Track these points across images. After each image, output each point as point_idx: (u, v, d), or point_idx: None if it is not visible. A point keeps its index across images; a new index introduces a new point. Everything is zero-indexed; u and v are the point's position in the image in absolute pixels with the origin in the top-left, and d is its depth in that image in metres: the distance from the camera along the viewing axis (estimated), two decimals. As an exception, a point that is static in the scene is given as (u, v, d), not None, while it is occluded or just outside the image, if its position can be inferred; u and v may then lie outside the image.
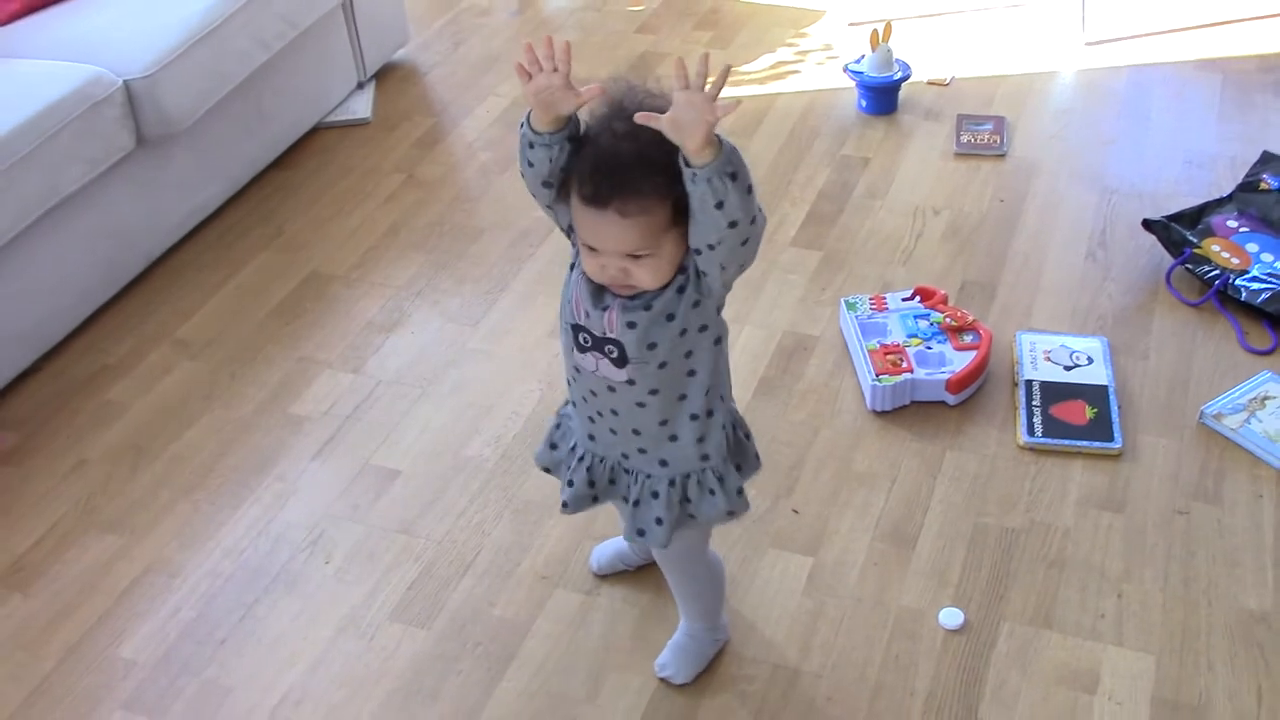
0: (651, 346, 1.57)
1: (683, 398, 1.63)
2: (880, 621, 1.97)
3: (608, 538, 2.10)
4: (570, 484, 1.77)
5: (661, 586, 2.03)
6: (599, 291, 1.57)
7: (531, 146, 1.51)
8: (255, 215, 3.05)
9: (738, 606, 2.00)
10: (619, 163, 1.46)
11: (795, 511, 2.16)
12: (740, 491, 1.72)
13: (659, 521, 1.71)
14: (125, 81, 2.64)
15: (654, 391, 1.61)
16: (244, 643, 2.02)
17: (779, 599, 2.02)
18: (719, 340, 1.62)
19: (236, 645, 2.01)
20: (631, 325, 1.55)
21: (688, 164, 1.41)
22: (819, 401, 2.38)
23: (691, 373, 1.62)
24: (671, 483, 1.70)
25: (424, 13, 3.92)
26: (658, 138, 1.41)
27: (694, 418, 1.64)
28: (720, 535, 1.93)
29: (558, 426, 1.82)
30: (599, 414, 1.68)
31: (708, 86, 1.38)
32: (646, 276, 1.51)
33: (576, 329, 1.62)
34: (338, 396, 2.49)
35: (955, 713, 1.83)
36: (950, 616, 1.96)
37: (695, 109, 1.36)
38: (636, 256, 1.48)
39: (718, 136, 1.39)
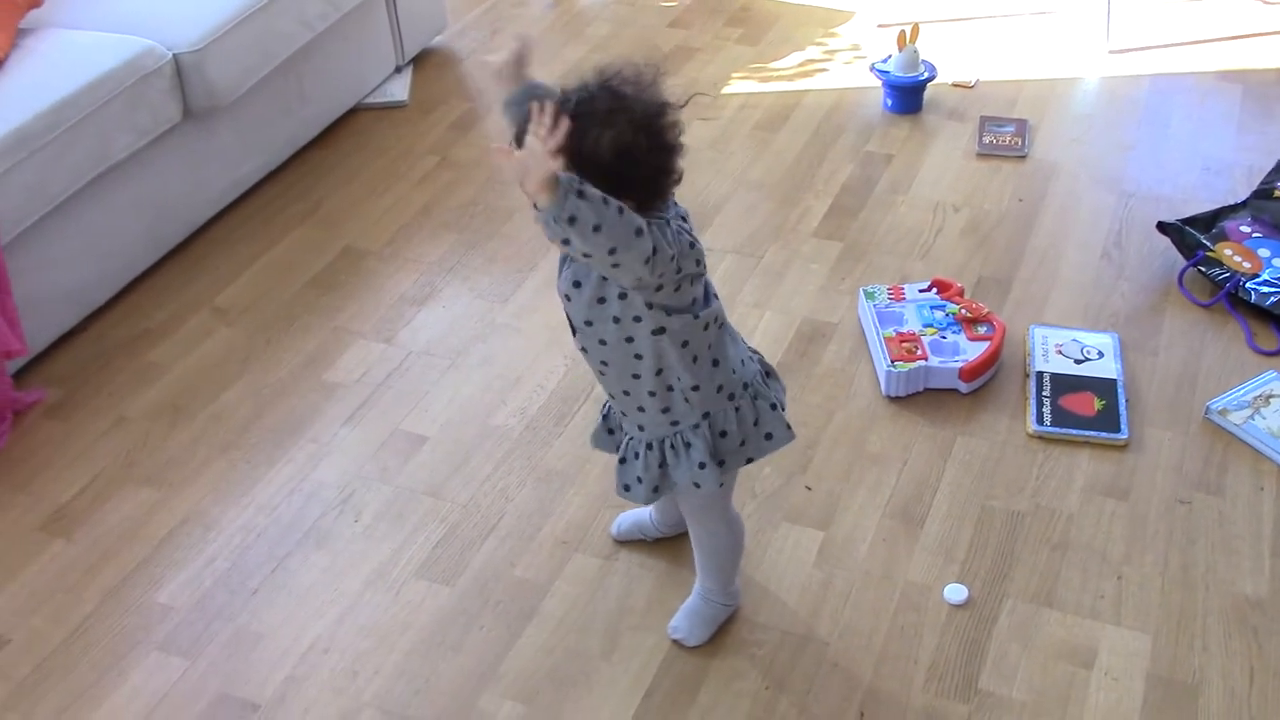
0: (588, 324, 1.69)
1: (636, 376, 1.72)
2: (887, 594, 2.04)
3: (627, 507, 2.18)
4: (596, 422, 1.93)
5: (677, 556, 2.11)
6: (561, 267, 1.69)
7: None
8: (293, 191, 3.14)
9: (751, 574, 2.07)
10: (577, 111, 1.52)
11: (808, 488, 2.24)
12: (703, 465, 1.75)
13: (639, 480, 1.82)
14: (175, 55, 2.73)
15: (605, 363, 1.73)
16: (275, 593, 2.10)
17: (790, 569, 2.09)
18: (659, 331, 1.66)
19: (268, 595, 2.10)
20: (568, 298, 1.68)
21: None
22: (835, 385, 2.46)
23: (638, 356, 1.70)
24: (649, 446, 1.80)
25: (462, 1, 4.01)
26: (594, 110, 1.52)
27: (651, 394, 1.73)
28: (736, 507, 2.00)
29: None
30: (594, 374, 1.81)
31: (549, 138, 1.40)
32: None
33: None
34: (370, 365, 2.57)
35: (956, 681, 1.90)
36: (955, 592, 2.03)
37: (535, 157, 1.41)
38: None
39: (558, 179, 1.42)
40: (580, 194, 1.43)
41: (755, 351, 1.85)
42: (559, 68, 3.62)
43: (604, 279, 1.63)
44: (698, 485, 1.77)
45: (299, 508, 2.26)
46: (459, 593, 2.08)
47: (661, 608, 2.03)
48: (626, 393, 1.76)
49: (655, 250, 1.52)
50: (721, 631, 1.99)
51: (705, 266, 1.67)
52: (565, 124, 1.43)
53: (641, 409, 1.76)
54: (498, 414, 2.44)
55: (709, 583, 1.98)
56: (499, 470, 2.31)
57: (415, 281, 2.81)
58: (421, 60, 3.69)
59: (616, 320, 1.66)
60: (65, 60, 2.60)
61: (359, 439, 2.40)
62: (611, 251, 1.49)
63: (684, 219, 1.66)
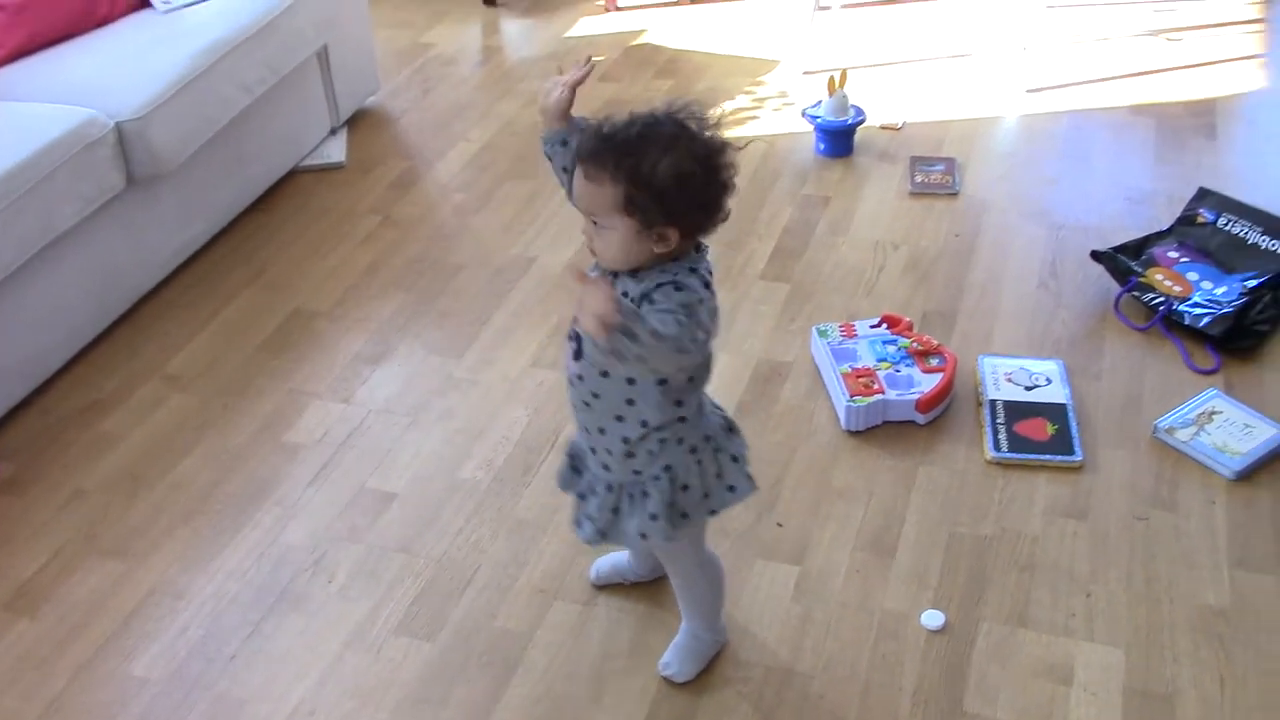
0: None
1: (619, 419, 1.74)
2: (866, 624, 2.08)
3: (603, 553, 2.19)
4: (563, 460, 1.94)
5: (656, 598, 2.13)
6: None
7: (546, 143, 1.78)
8: (237, 255, 3.13)
9: (731, 612, 2.09)
10: (606, 134, 1.60)
11: (779, 525, 2.27)
12: (654, 517, 1.77)
13: (590, 519, 1.84)
14: (117, 123, 2.71)
15: (596, 395, 1.74)
16: (254, 658, 2.08)
17: (769, 605, 2.12)
18: (663, 383, 1.69)
19: (246, 660, 2.07)
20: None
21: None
22: (795, 422, 2.50)
23: (630, 401, 1.72)
24: (609, 487, 1.82)
25: (392, 62, 4.04)
26: (653, 136, 1.58)
27: (625, 440, 1.75)
28: (710, 547, 2.02)
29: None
30: (572, 406, 1.81)
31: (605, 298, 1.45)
32: (601, 247, 1.63)
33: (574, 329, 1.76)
34: (330, 425, 2.56)
35: (941, 705, 1.94)
36: (932, 618, 2.08)
37: (593, 305, 1.43)
38: (596, 224, 1.61)
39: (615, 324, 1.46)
40: (631, 335, 1.46)
41: (719, 407, 1.88)
42: (494, 123, 3.67)
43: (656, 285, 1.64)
44: (644, 536, 1.79)
45: (270, 571, 2.24)
46: (441, 647, 2.08)
47: (645, 650, 2.04)
48: (602, 430, 1.77)
49: (693, 349, 1.57)
50: (706, 669, 2.01)
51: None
52: (610, 285, 1.49)
53: (610, 450, 1.77)
54: (464, 467, 2.44)
55: (694, 622, 2.00)
56: (470, 523, 2.31)
57: (368, 340, 2.81)
58: (356, 121, 3.70)
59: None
60: (8, 132, 2.58)
61: (325, 499, 2.38)
62: (654, 370, 1.65)
63: (709, 272, 1.67)
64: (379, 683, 2.02)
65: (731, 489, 1.83)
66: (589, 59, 1.82)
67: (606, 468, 1.81)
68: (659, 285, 1.61)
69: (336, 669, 2.05)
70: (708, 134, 1.62)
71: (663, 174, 1.57)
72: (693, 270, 1.64)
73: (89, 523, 2.36)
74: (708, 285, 1.65)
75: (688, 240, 1.63)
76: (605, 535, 1.84)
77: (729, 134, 1.67)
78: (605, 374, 1.71)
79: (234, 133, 3.10)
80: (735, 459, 1.83)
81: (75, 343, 2.75)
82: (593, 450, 1.82)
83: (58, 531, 2.35)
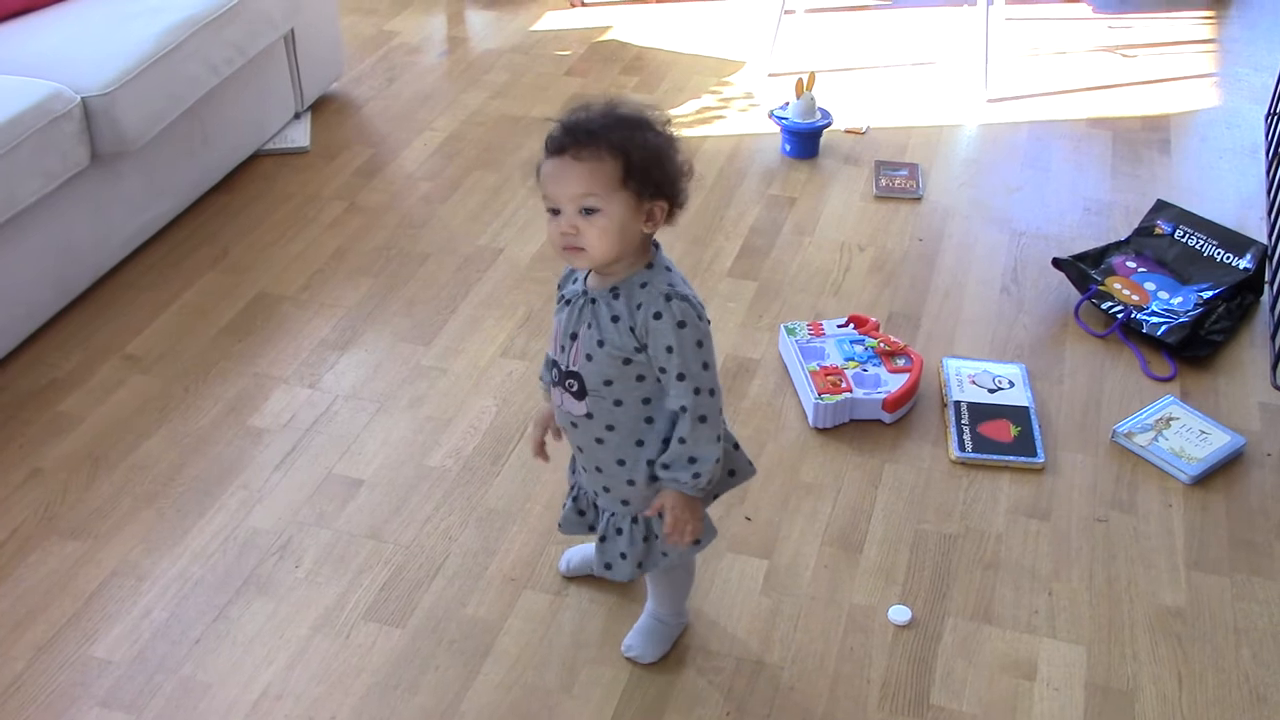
0: (608, 383, 1.70)
1: (640, 444, 1.75)
2: (834, 618, 2.10)
3: (572, 543, 2.19)
4: (564, 505, 1.95)
5: (626, 589, 2.14)
6: (571, 324, 1.71)
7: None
8: (199, 236, 3.09)
9: (700, 604, 2.11)
10: (581, 120, 1.62)
11: (748, 519, 2.29)
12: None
13: (623, 556, 1.85)
14: (83, 98, 2.67)
15: (610, 428, 1.74)
16: (219, 642, 2.05)
17: (739, 598, 2.13)
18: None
19: (212, 644, 2.05)
20: (589, 358, 1.69)
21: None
22: (764, 418, 2.52)
23: (650, 420, 1.73)
24: (634, 520, 1.82)
25: (356, 49, 4.01)
26: (625, 117, 1.62)
27: (649, 463, 1.76)
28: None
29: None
30: (576, 449, 1.83)
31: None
32: (595, 237, 1.60)
33: (552, 363, 1.78)
34: (295, 410, 2.54)
35: (909, 698, 1.97)
36: (899, 613, 2.10)
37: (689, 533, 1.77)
38: (588, 211, 1.60)
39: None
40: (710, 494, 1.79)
41: None
42: (460, 113, 3.66)
43: (636, 350, 1.67)
44: (698, 543, 1.81)
45: (235, 555, 2.21)
46: (410, 634, 2.07)
47: (616, 640, 2.04)
48: (621, 462, 1.76)
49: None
50: (677, 660, 2.02)
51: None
52: (699, 506, 1.78)
53: (631, 482, 1.78)
54: (433, 455, 2.43)
55: (662, 607, 2.01)
56: (439, 511, 2.30)
57: (334, 326, 2.78)
58: (320, 106, 3.67)
59: (640, 379, 1.68)
60: (-29, 103, 2.53)
61: (292, 484, 2.36)
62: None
63: (684, 281, 1.71)
64: (348, 668, 2.01)
65: (732, 473, 1.85)
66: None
67: (626, 502, 1.81)
68: (656, 316, 1.63)
69: (304, 654, 2.03)
70: (666, 121, 1.68)
71: (651, 144, 1.62)
72: (668, 269, 1.68)
73: (47, 503, 2.32)
74: (684, 281, 1.70)
75: (666, 220, 1.67)
76: (642, 566, 1.86)
77: (694, 133, 1.73)
78: (619, 402, 1.71)
79: (199, 113, 3.06)
80: (736, 446, 1.86)
81: (34, 320, 2.70)
82: (606, 490, 1.81)
83: (15, 511, 2.30)
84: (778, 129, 3.45)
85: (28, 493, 2.35)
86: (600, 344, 1.67)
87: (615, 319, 1.66)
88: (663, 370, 1.67)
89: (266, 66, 3.33)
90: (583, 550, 2.16)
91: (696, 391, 1.66)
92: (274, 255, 3.02)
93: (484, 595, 2.14)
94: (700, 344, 1.65)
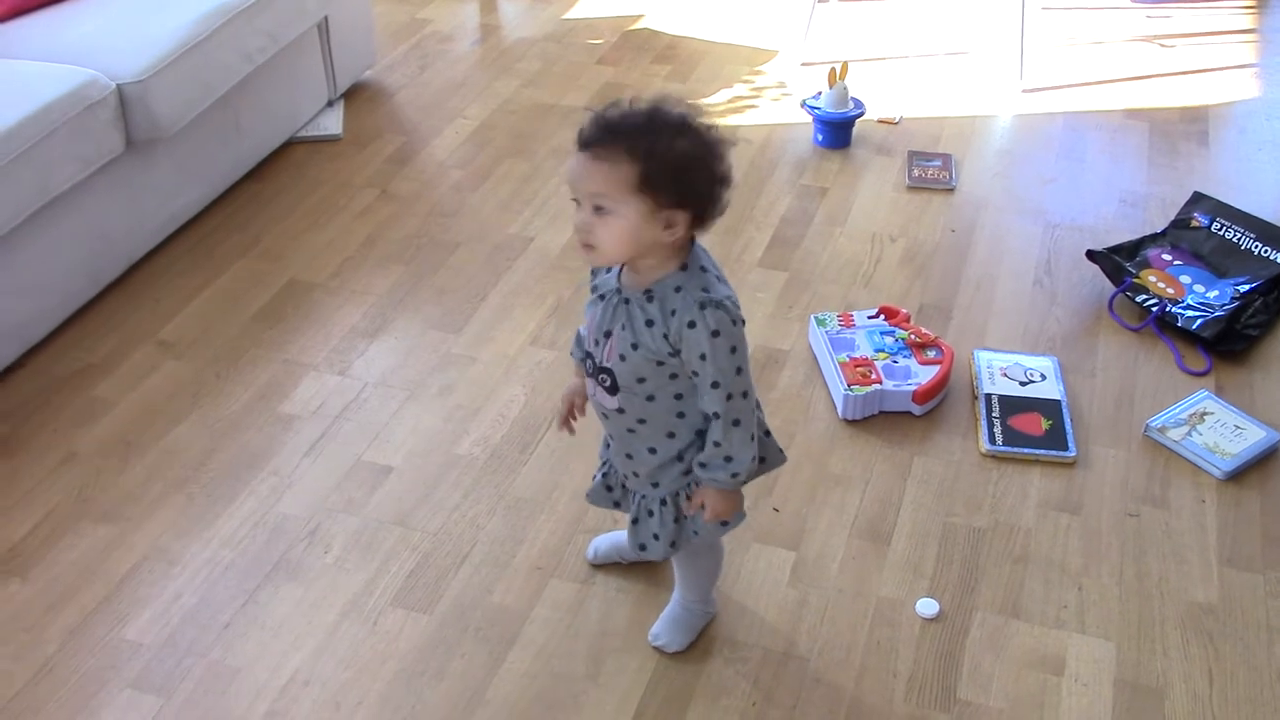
0: (640, 380, 1.71)
1: (671, 435, 1.75)
2: (861, 610, 2.09)
3: (600, 531, 2.19)
4: (594, 478, 1.94)
5: (653, 578, 2.14)
6: (605, 321, 1.70)
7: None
8: (231, 224, 3.11)
9: (728, 594, 2.10)
10: (611, 118, 1.60)
11: (776, 510, 2.28)
12: None
13: (656, 538, 1.86)
14: (119, 85, 2.69)
15: (642, 421, 1.75)
16: (248, 627, 2.07)
17: (765, 589, 2.13)
18: (716, 385, 1.70)
19: (241, 629, 2.06)
20: (623, 358, 1.69)
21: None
22: (792, 410, 2.51)
23: (681, 415, 1.74)
24: (664, 501, 1.83)
25: (388, 38, 4.02)
26: (660, 120, 1.58)
27: (679, 456, 1.77)
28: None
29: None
30: (609, 435, 1.85)
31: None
32: (605, 235, 1.60)
33: (587, 355, 1.78)
34: (326, 397, 2.55)
35: (936, 692, 1.96)
36: (926, 606, 2.09)
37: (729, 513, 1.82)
38: (600, 210, 1.59)
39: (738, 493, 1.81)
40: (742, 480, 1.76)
41: None
42: (491, 102, 3.66)
43: (670, 355, 1.66)
44: (725, 523, 1.81)
45: (265, 541, 2.23)
46: (438, 621, 2.08)
47: (642, 630, 2.04)
48: (653, 450, 1.77)
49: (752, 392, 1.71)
50: (704, 650, 2.02)
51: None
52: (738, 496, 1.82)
53: (662, 466, 1.79)
54: (461, 443, 2.43)
55: (689, 594, 2.01)
56: (467, 499, 2.31)
57: (364, 313, 2.79)
58: (352, 94, 3.68)
59: (673, 377, 1.68)
60: (8, 90, 2.55)
61: (321, 471, 2.37)
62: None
63: (720, 279, 1.69)
64: (375, 654, 2.02)
65: (762, 460, 1.84)
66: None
67: (656, 484, 1.82)
68: (690, 325, 1.62)
69: (332, 639, 2.04)
70: (710, 126, 1.63)
71: (679, 151, 1.58)
72: (704, 270, 1.66)
73: (80, 487, 2.35)
74: (721, 278, 1.68)
75: (692, 229, 1.64)
76: (675, 545, 1.87)
77: (726, 122, 1.69)
78: (651, 397, 1.71)
79: (231, 101, 3.07)
80: (767, 433, 1.86)
81: (68, 306, 2.72)
82: (636, 474, 1.83)
83: (49, 494, 2.33)
84: (810, 119, 3.43)
85: (61, 477, 2.37)
86: (634, 347, 1.67)
87: (650, 323, 1.65)
88: (695, 374, 1.67)
89: (300, 54, 3.34)
90: (610, 538, 2.16)
91: (729, 398, 1.66)
92: (305, 242, 3.03)
93: (511, 583, 2.14)
94: (734, 350, 1.65)
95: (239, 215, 3.14)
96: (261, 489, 2.33)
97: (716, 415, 1.68)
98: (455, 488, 2.33)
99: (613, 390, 1.73)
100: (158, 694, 1.95)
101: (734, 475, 1.72)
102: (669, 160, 1.57)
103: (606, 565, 2.17)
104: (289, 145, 3.41)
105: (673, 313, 1.63)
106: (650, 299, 1.65)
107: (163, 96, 2.76)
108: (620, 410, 1.75)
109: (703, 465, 1.73)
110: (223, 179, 3.15)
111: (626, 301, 1.68)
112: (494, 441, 2.44)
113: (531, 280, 2.90)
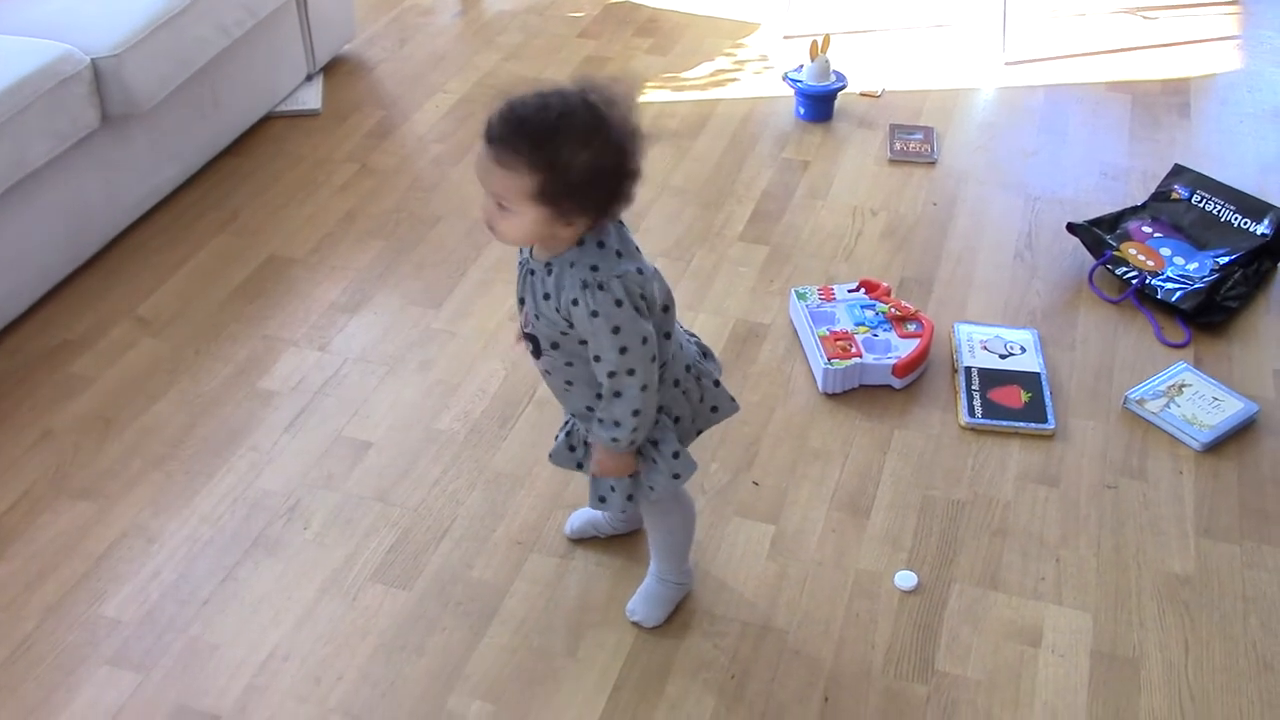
0: (555, 346, 1.73)
1: (600, 395, 1.74)
2: (840, 583, 2.10)
3: (578, 506, 2.19)
4: (557, 438, 1.92)
5: (631, 552, 2.14)
6: (520, 289, 1.73)
7: None
8: (209, 199, 3.09)
9: (707, 567, 2.11)
10: (520, 114, 1.56)
11: (755, 484, 2.28)
12: (677, 455, 1.81)
13: (612, 489, 1.86)
14: (93, 59, 2.67)
15: (569, 382, 1.78)
16: (227, 603, 2.07)
17: (745, 563, 2.13)
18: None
19: (220, 605, 2.06)
20: (535, 326, 1.72)
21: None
22: (772, 384, 2.51)
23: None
24: None
25: (368, 11, 3.99)
26: (571, 124, 1.54)
27: None
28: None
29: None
30: (553, 390, 1.86)
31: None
32: (506, 228, 1.62)
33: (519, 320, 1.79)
34: (305, 372, 2.54)
35: (914, 663, 1.97)
36: (905, 578, 2.10)
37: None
38: (502, 207, 1.59)
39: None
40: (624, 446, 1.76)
41: (692, 334, 1.92)
42: (472, 75, 3.64)
43: (573, 301, 1.65)
44: (677, 476, 1.80)
45: (244, 517, 2.22)
46: (417, 596, 2.08)
47: (621, 604, 2.05)
48: (590, 408, 1.78)
49: (655, 361, 1.69)
50: (683, 623, 2.02)
51: (674, 304, 1.76)
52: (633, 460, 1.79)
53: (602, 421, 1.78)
54: (441, 419, 2.43)
55: (664, 565, 2.02)
56: (447, 474, 2.31)
57: (344, 289, 2.78)
58: (331, 68, 3.66)
59: (584, 342, 1.69)
60: (-20, 64, 2.53)
61: (301, 446, 2.37)
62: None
63: (622, 253, 1.68)
64: (354, 629, 2.02)
65: (715, 409, 1.87)
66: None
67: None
68: (574, 302, 1.62)
69: (311, 615, 2.04)
70: (622, 120, 1.59)
71: (581, 167, 1.55)
72: (601, 245, 1.64)
73: (58, 464, 2.34)
74: (623, 253, 1.66)
75: (598, 220, 1.63)
76: (632, 499, 1.86)
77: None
78: (570, 363, 1.74)
79: (209, 75, 3.05)
80: (716, 383, 1.87)
81: (45, 283, 2.71)
82: (588, 429, 1.82)
83: (26, 472, 2.32)
84: (792, 92, 3.42)
85: (38, 454, 2.36)
86: (537, 317, 1.71)
87: (546, 296, 1.67)
88: (583, 343, 1.69)
89: (277, 28, 3.32)
90: (587, 511, 2.17)
91: (612, 375, 1.67)
92: (284, 218, 3.02)
93: (490, 558, 2.14)
94: (616, 330, 1.63)
95: (217, 191, 3.12)
96: (240, 465, 2.33)
97: (602, 385, 1.70)
98: (435, 463, 2.33)
99: (537, 354, 1.77)
100: (136, 670, 1.95)
101: (614, 439, 1.74)
102: (570, 176, 1.55)
103: (585, 540, 2.17)
104: (267, 120, 3.38)
105: (563, 288, 1.64)
106: (550, 272, 1.67)
107: (138, 71, 2.73)
108: (548, 372, 1.80)
109: (599, 422, 1.75)
110: (200, 154, 3.13)
111: (532, 273, 1.70)
112: (474, 417, 2.43)
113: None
